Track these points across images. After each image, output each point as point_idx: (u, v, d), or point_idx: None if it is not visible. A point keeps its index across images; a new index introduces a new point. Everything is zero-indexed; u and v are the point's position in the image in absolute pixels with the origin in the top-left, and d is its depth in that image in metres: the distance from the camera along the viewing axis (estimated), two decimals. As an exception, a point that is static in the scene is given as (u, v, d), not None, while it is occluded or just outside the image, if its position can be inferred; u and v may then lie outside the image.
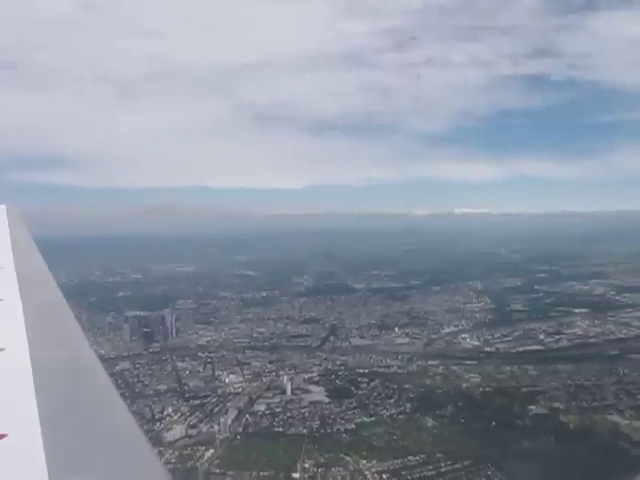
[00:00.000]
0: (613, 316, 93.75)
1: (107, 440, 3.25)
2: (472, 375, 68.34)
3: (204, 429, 55.60)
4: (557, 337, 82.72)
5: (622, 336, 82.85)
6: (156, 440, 49.89)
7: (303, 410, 59.06)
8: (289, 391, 64.37)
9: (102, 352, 72.30)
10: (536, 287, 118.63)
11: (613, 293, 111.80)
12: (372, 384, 65.79)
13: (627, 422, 53.89)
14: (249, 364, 74.64)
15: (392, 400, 60.94)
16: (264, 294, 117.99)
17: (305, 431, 54.21)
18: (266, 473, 46.21)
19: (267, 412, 58.92)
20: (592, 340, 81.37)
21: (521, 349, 78.18)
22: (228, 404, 61.24)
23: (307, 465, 47.54)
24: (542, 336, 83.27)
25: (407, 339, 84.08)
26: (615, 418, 54.86)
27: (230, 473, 46.92)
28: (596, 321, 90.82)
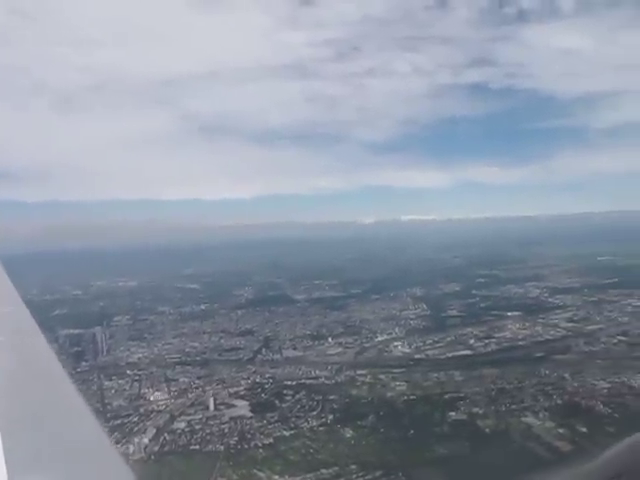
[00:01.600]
0: (543, 318, 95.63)
1: (69, 442, 3.24)
2: (398, 383, 68.51)
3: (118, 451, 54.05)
4: (487, 341, 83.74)
5: (549, 337, 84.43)
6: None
7: (223, 426, 58.16)
8: (212, 407, 63.39)
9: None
10: (474, 292, 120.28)
11: (546, 295, 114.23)
12: (297, 396, 65.34)
13: (540, 423, 54.74)
14: (177, 380, 73.41)
15: (315, 412, 60.57)
16: (203, 307, 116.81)
17: (222, 447, 53.32)
18: (174, 494, 45.22)
19: (187, 429, 57.85)
20: (520, 343, 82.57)
21: (450, 355, 78.77)
22: (148, 423, 59.94)
23: (218, 483, 46.74)
24: (472, 341, 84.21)
25: (339, 349, 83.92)
26: (529, 420, 55.60)
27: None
28: (526, 324, 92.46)
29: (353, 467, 47.80)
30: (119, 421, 61.20)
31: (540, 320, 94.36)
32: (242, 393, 67.87)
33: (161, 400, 67.08)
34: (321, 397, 64.50)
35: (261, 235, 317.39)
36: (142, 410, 63.97)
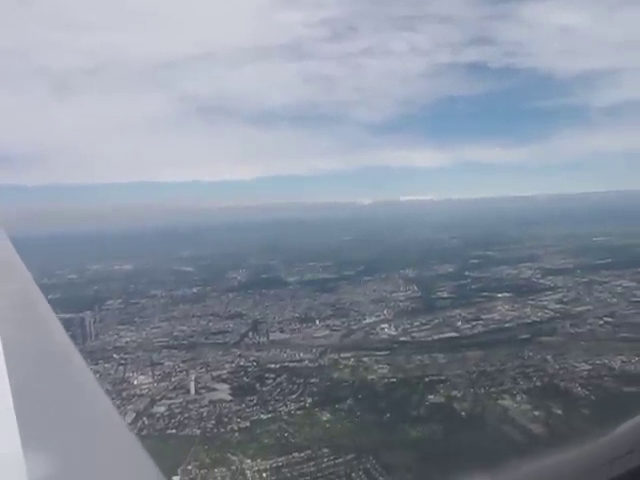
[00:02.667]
0: (533, 299, 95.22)
1: (82, 419, 3.27)
2: (380, 366, 68.66)
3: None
4: (474, 323, 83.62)
5: (536, 319, 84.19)
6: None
7: (202, 410, 58.49)
8: (193, 390, 63.72)
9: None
10: (466, 273, 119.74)
11: (539, 276, 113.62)
12: (278, 380, 65.55)
13: (516, 406, 54.82)
14: (162, 364, 73.72)
15: (294, 395, 60.82)
16: (195, 290, 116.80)
17: (198, 432, 53.67)
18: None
19: (166, 413, 58.21)
20: (506, 325, 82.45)
21: (436, 337, 78.78)
22: (129, 407, 60.22)
23: (190, 467, 47.04)
24: (459, 323, 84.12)
25: (326, 331, 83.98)
26: (506, 403, 55.73)
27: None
28: (515, 305, 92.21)
29: (325, 451, 48.02)
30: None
31: (529, 302, 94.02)
32: (225, 376, 68.18)
33: (144, 384, 67.45)
34: (302, 380, 64.68)
35: (261, 216, 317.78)
36: (124, 394, 64.30)
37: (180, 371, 70.77)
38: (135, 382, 68.19)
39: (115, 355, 78.16)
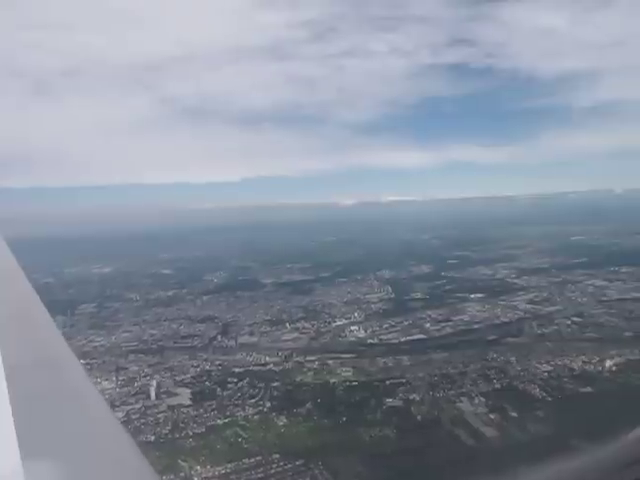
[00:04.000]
0: (504, 300, 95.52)
1: (78, 423, 3.31)
2: (345, 369, 68.44)
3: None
4: (443, 325, 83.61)
5: (505, 320, 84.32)
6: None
7: (159, 415, 58.10)
8: (153, 396, 63.35)
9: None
10: (443, 273, 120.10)
11: (514, 276, 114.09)
12: (240, 384, 65.20)
13: (472, 409, 54.66)
14: (127, 369, 73.28)
15: (254, 400, 60.43)
16: (170, 294, 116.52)
17: (153, 438, 53.29)
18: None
19: (123, 420, 57.67)
20: (475, 326, 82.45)
21: (403, 339, 78.68)
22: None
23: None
24: (429, 325, 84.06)
25: (295, 334, 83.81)
26: (464, 405, 55.56)
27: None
28: (487, 306, 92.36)
29: (276, 456, 47.76)
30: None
31: (501, 302, 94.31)
32: (187, 381, 67.77)
33: (107, 389, 66.88)
34: (264, 384, 64.38)
35: (245, 218, 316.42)
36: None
37: (144, 376, 70.30)
38: (98, 388, 67.52)
39: (81, 361, 77.08)
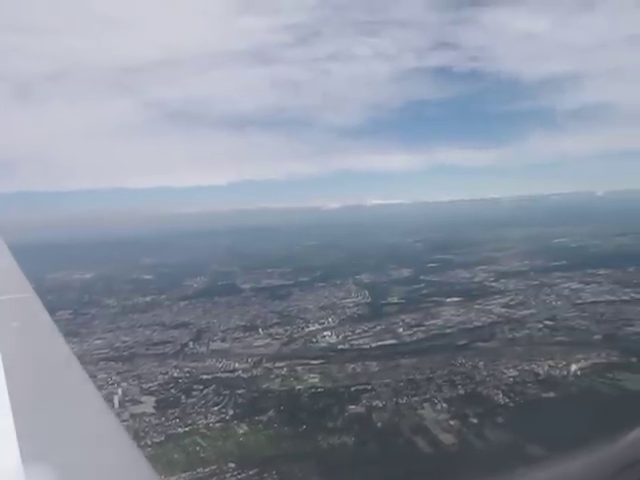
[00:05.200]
0: (480, 304, 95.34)
1: (80, 427, 3.43)
2: (312, 376, 68.13)
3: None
4: (415, 329, 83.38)
5: (478, 324, 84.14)
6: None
7: (121, 424, 57.52)
8: (117, 404, 62.75)
9: None
10: (422, 277, 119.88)
11: (492, 279, 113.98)
12: (205, 391, 64.79)
13: (434, 415, 54.44)
14: (95, 377, 72.56)
15: (217, 407, 60.05)
16: (149, 299, 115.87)
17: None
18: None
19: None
20: (447, 331, 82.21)
21: (374, 345, 78.41)
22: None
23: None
24: (401, 329, 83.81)
25: (267, 340, 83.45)
26: (425, 412, 55.32)
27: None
28: (461, 310, 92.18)
29: (231, 465, 47.42)
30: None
31: (476, 306, 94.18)
32: (154, 389, 67.31)
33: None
34: (229, 391, 63.99)
35: (231, 222, 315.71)
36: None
37: (111, 384, 69.75)
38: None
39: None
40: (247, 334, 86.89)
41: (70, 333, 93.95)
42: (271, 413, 57.66)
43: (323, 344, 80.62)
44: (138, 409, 61.22)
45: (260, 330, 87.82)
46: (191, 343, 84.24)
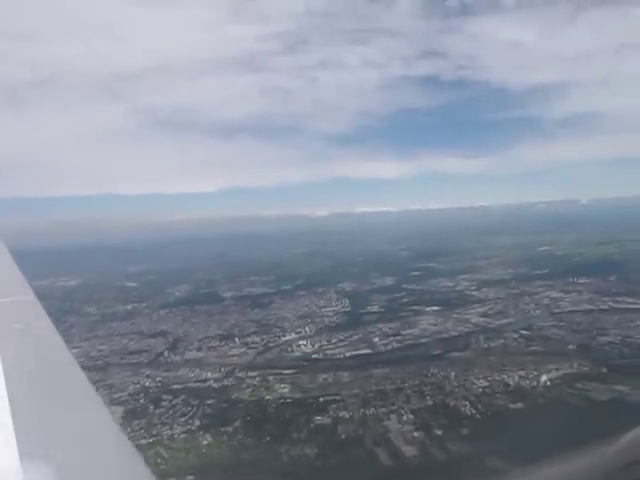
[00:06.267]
0: (459, 313, 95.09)
1: (79, 429, 3.41)
2: (283, 386, 67.77)
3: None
4: (391, 339, 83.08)
5: (454, 334, 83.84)
6: None
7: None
8: (84, 415, 62.32)
9: None
10: (404, 286, 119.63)
11: (473, 288, 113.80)
12: (174, 401, 64.40)
13: (399, 427, 54.14)
14: (66, 386, 72.20)
15: (184, 418, 59.67)
16: (129, 307, 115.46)
17: (72, 459, 52.34)
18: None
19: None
20: (423, 340, 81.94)
21: (348, 354, 78.09)
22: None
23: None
24: (377, 339, 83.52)
25: (243, 349, 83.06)
26: (390, 424, 55.02)
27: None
28: (439, 319, 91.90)
29: (190, 478, 47.06)
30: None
31: (455, 315, 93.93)
32: (123, 399, 66.79)
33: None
34: (198, 402, 63.62)
35: (221, 229, 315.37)
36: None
37: (81, 394, 69.23)
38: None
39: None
40: (223, 343, 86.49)
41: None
42: (237, 424, 57.31)
43: (297, 353, 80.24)
44: (104, 420, 60.62)
45: (236, 339, 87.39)
46: (166, 352, 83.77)
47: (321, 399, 62.34)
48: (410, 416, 56.34)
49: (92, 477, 2.99)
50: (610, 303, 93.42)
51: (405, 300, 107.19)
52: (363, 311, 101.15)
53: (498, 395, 60.11)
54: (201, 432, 56.22)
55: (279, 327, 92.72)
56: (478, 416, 55.60)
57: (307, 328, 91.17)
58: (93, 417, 3.80)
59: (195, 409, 61.79)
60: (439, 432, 52.62)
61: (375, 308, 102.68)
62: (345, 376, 69.56)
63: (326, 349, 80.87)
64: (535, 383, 62.57)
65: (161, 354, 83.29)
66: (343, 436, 53.40)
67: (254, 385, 68.80)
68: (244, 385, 68.97)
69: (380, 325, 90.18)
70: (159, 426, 58.20)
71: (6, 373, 3.89)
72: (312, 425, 56.06)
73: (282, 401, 63.15)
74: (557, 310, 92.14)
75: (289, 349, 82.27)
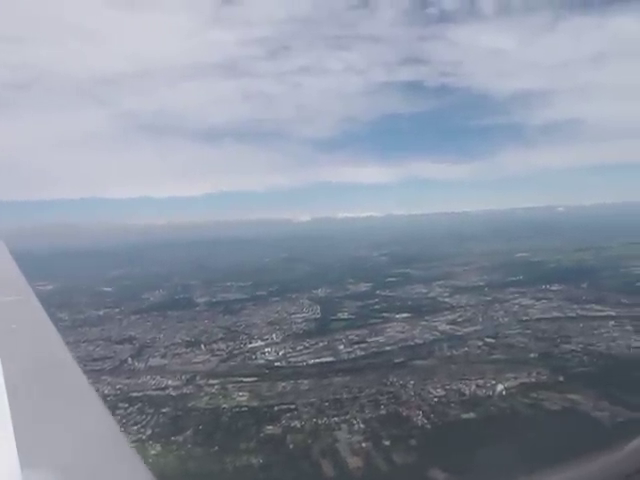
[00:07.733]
0: (427, 320, 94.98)
1: (79, 430, 3.46)
2: (241, 394, 67.44)
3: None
4: (356, 347, 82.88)
5: (420, 342, 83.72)
6: None
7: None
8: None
9: None
10: (378, 292, 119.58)
11: (446, 295, 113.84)
12: (130, 409, 63.92)
13: (348, 437, 53.88)
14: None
15: (136, 427, 59.19)
16: (102, 313, 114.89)
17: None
18: None
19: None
20: (387, 348, 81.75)
21: (312, 362, 77.86)
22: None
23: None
24: (342, 346, 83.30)
25: (207, 356, 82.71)
26: (340, 434, 54.76)
27: None
28: (407, 327, 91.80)
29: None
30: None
31: (423, 322, 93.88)
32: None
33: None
34: (154, 410, 63.21)
35: (206, 233, 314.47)
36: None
37: (39, 401, 68.73)
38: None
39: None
40: (189, 350, 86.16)
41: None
42: (189, 433, 56.97)
43: (261, 361, 79.92)
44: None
45: (202, 346, 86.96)
46: (130, 359, 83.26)
47: (275, 408, 62.02)
48: (361, 426, 56.12)
49: (92, 477, 3.00)
50: (578, 311, 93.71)
51: (377, 307, 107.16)
52: (333, 318, 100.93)
53: (452, 405, 59.98)
54: (151, 442, 55.75)
55: (247, 334, 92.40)
56: (429, 426, 55.41)
57: (274, 335, 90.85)
58: (92, 416, 3.82)
59: (149, 418, 61.35)
60: (387, 443, 52.39)
61: (345, 315, 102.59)
62: (304, 384, 69.28)
63: (290, 357, 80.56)
64: (491, 392, 62.47)
65: (125, 361, 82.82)
66: (291, 446, 53.12)
67: (212, 393, 68.45)
68: (202, 393, 68.60)
69: (348, 332, 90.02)
70: (110, 435, 57.64)
71: (6, 372, 3.91)
72: (262, 435, 55.73)
73: (237, 410, 62.81)
74: (525, 317, 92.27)
75: (253, 357, 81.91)
